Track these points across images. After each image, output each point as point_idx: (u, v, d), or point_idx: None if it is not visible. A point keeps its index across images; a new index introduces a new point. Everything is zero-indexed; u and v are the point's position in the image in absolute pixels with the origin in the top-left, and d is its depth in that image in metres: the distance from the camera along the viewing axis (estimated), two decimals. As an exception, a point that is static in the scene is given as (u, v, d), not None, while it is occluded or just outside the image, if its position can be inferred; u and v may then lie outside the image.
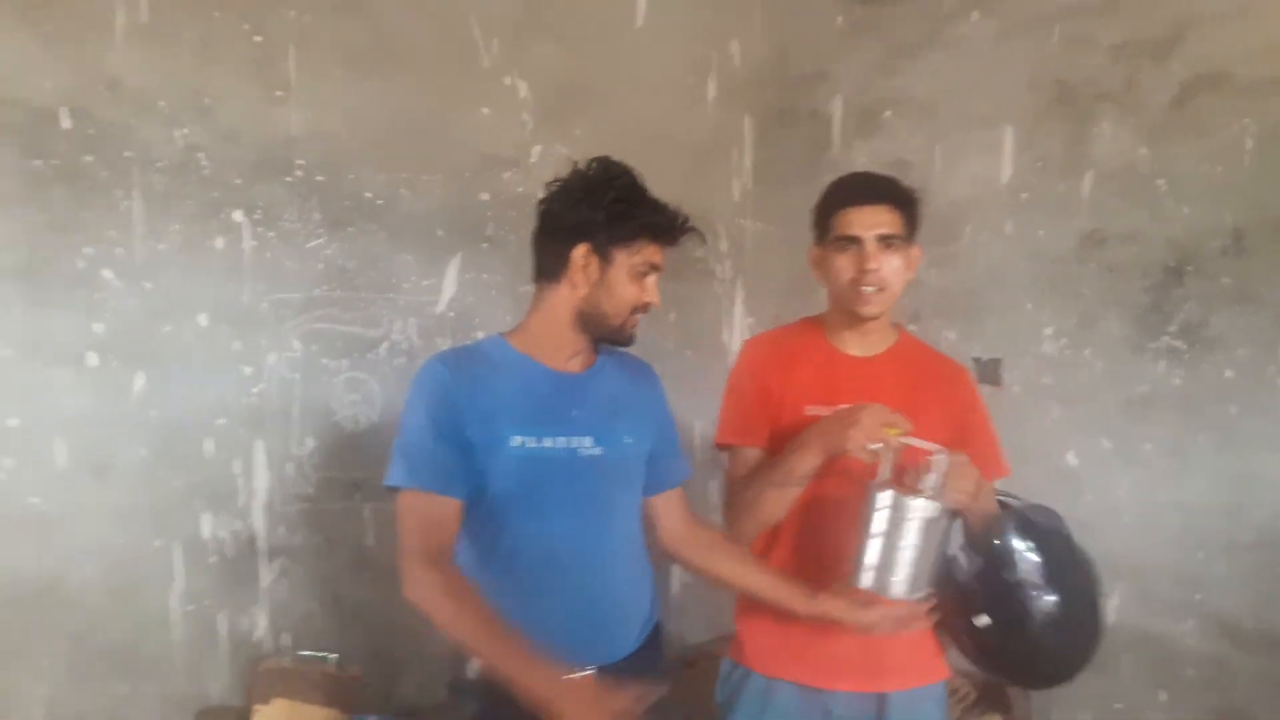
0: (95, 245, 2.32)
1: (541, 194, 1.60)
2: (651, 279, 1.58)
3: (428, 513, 1.48)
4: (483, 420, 1.50)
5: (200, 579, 2.45)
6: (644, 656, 1.60)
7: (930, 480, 1.54)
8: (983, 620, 1.69)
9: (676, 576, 3.06)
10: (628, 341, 1.61)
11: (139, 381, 2.37)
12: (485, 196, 2.86)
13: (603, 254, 1.54)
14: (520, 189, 2.87)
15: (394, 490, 1.50)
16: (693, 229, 1.59)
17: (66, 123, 2.28)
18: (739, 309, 3.36)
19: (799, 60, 3.33)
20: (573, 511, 1.55)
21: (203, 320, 2.45)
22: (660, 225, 1.55)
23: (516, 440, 1.50)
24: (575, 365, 1.62)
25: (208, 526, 2.46)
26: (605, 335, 1.60)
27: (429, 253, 2.78)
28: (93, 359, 2.31)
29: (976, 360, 2.70)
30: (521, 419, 1.51)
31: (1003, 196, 2.74)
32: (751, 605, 1.77)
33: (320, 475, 2.61)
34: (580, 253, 1.53)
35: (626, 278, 1.55)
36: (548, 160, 2.89)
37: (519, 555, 1.52)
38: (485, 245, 2.86)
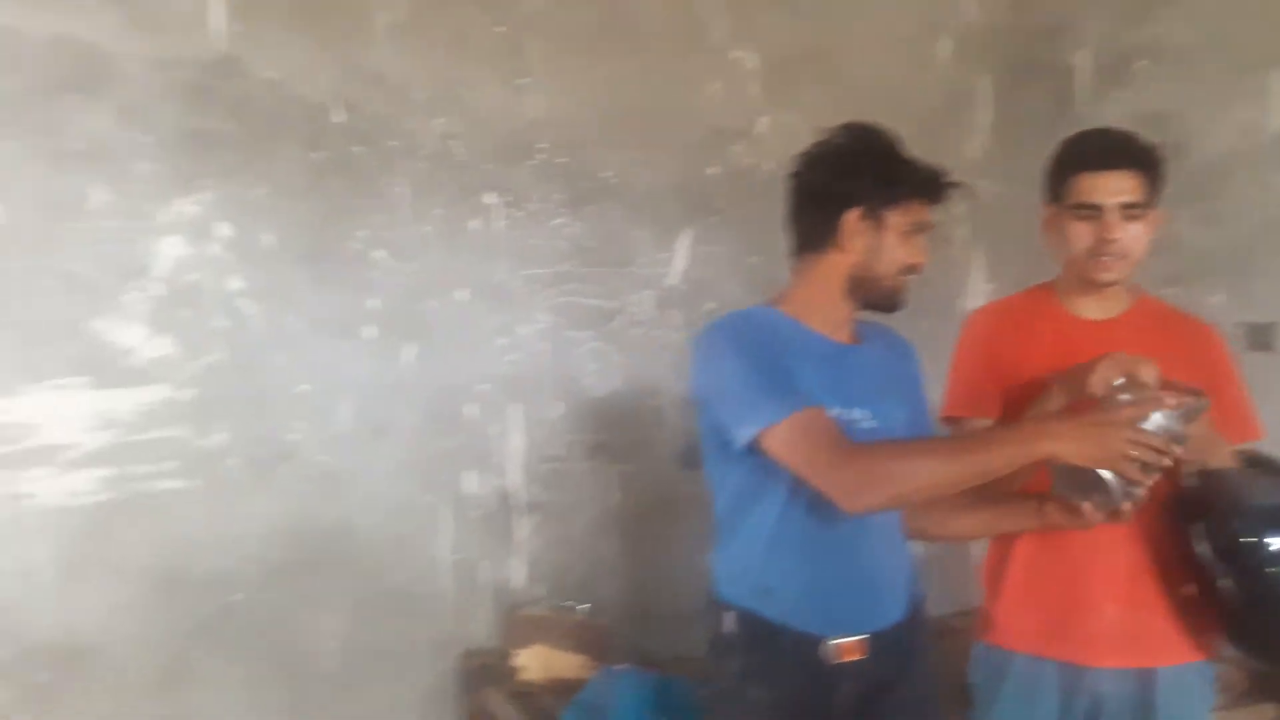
0: (367, 229, 2.56)
1: (773, 166, 1.64)
2: (920, 239, 1.58)
3: (818, 424, 1.44)
4: None
5: (465, 531, 2.68)
6: (910, 626, 1.61)
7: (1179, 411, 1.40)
8: (1190, 589, 1.62)
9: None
10: (899, 305, 1.61)
11: (408, 352, 2.61)
12: (714, 171, 2.92)
13: (874, 217, 1.54)
14: (748, 161, 2.92)
15: (758, 435, 1.45)
16: (959, 183, 1.58)
17: (338, 117, 2.52)
18: (978, 274, 3.27)
19: (1039, 12, 3.18)
20: None
21: (462, 295, 2.66)
22: (929, 183, 1.55)
23: None
24: (845, 336, 1.63)
25: (470, 483, 2.68)
26: (877, 300, 1.60)
27: (661, 227, 2.88)
28: (368, 331, 2.57)
29: (1246, 325, 2.51)
30: (812, 386, 1.50)
31: (1274, 147, 2.53)
32: (1002, 582, 1.75)
33: (569, 438, 2.78)
34: (852, 218, 1.54)
35: (897, 239, 1.55)
36: (775, 130, 2.92)
37: (793, 521, 1.54)
38: (714, 219, 2.92)
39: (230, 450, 2.43)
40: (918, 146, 1.60)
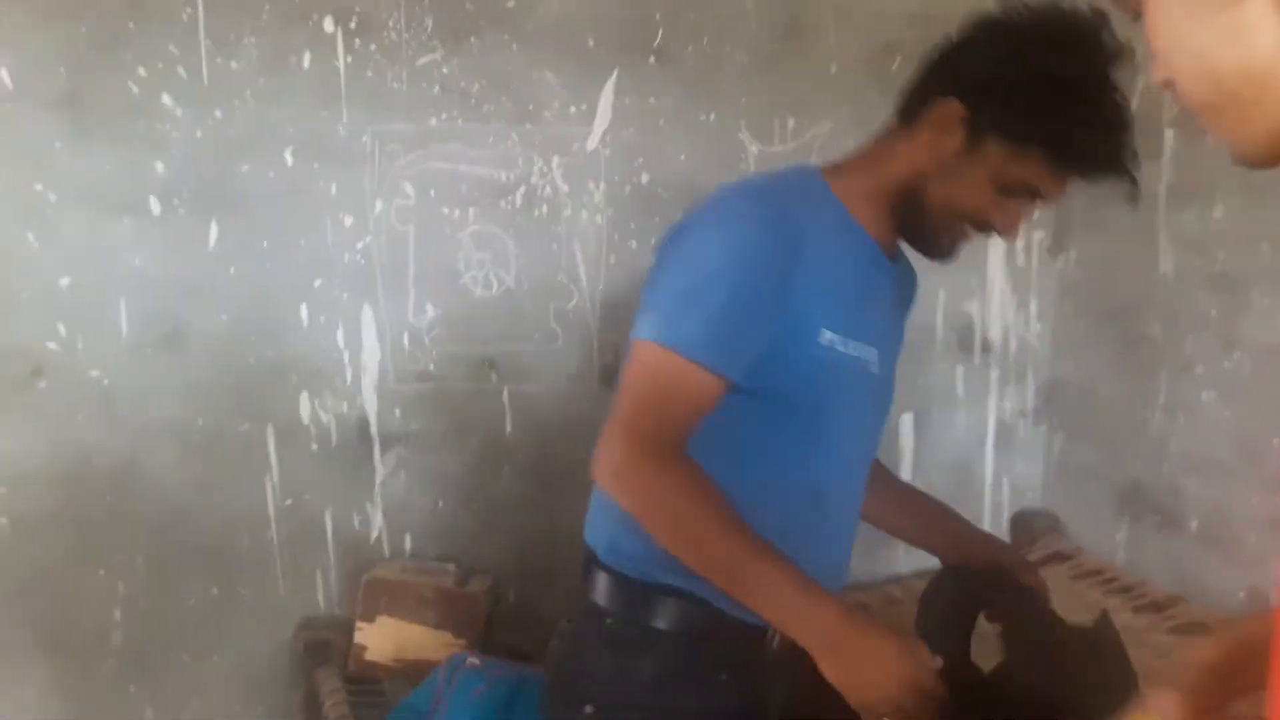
0: (150, 65, 1.89)
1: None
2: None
3: (681, 384, 1.18)
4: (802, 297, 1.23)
5: (301, 469, 2.08)
6: None
7: None
8: None
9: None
10: (941, 255, 1.34)
11: (213, 233, 1.97)
12: (653, -8, 2.17)
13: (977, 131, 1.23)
14: (704, -20, 2.17)
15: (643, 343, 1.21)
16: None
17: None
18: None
19: None
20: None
21: (289, 157, 2.00)
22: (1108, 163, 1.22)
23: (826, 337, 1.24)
24: (889, 248, 1.35)
25: (307, 408, 2.07)
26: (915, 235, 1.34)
27: (576, 71, 2.15)
28: (155, 206, 1.93)
29: None
30: (828, 310, 1.24)
31: None
32: None
33: (443, 350, 2.15)
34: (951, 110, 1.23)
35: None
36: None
37: (757, 465, 1.28)
38: (651, 60, 2.19)
39: (-37, 363, 1.85)
40: None
